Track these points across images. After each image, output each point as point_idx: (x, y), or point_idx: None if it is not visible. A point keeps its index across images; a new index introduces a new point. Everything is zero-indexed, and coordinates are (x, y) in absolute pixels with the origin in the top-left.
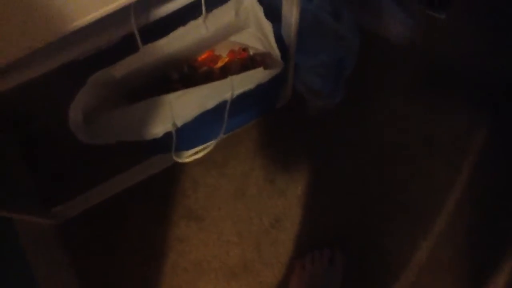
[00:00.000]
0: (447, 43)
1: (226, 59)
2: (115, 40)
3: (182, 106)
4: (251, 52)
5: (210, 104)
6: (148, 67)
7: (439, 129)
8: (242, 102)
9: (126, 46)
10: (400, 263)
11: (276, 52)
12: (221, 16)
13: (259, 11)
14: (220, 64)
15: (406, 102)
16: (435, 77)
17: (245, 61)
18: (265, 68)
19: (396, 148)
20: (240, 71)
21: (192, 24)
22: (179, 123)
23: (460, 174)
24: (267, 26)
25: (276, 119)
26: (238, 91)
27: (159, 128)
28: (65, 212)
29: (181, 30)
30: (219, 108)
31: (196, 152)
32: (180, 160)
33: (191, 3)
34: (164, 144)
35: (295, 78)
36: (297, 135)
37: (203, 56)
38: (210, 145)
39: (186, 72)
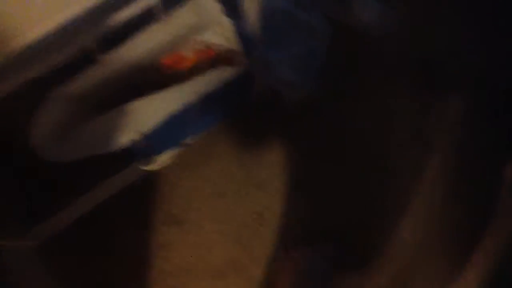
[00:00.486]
0: (433, 32)
1: (193, 59)
2: (73, 53)
3: (147, 113)
4: (218, 50)
5: (176, 108)
6: (112, 76)
7: (428, 119)
8: (209, 102)
9: (86, 59)
10: (392, 256)
11: (239, 48)
12: (180, 19)
13: (218, 9)
14: (187, 65)
15: (392, 93)
16: (415, 65)
17: (212, 60)
18: (233, 65)
19: (374, 139)
20: (208, 70)
21: (150, 29)
22: (146, 130)
23: (456, 168)
24: (227, 23)
25: (253, 116)
26: (203, 91)
27: (125, 138)
28: (46, 231)
29: (140, 37)
30: (186, 111)
31: (166, 158)
32: (147, 169)
33: (147, 9)
34: (134, 152)
35: (267, 72)
36: (274, 130)
37: (169, 59)
38: (180, 148)
39: (153, 77)
